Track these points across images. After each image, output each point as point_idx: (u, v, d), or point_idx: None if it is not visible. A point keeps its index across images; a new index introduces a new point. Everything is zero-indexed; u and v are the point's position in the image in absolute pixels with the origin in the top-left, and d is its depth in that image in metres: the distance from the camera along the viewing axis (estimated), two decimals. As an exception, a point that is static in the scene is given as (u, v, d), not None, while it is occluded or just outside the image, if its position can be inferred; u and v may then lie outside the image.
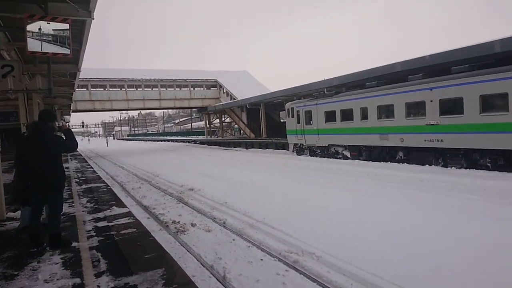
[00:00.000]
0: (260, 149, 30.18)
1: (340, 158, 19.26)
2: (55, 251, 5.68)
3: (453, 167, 13.35)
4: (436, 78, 13.92)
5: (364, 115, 17.21)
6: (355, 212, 8.25)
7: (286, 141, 24.80)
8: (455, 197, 9.03)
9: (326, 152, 20.56)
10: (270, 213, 8.31)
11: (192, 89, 47.96)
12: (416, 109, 14.69)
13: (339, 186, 11.68)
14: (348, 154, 18.86)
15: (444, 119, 13.39)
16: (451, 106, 13.17)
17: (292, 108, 22.90)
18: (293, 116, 22.81)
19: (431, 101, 13.79)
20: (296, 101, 23.84)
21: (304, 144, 22.15)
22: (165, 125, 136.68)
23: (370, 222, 7.36)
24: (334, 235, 6.65)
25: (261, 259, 5.98)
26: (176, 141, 62.20)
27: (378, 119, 16.46)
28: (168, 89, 46.81)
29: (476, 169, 12.58)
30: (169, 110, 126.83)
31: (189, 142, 52.26)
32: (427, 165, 14.17)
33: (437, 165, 14.03)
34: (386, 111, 16.10)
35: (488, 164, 12.35)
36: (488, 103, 11.95)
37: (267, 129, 36.00)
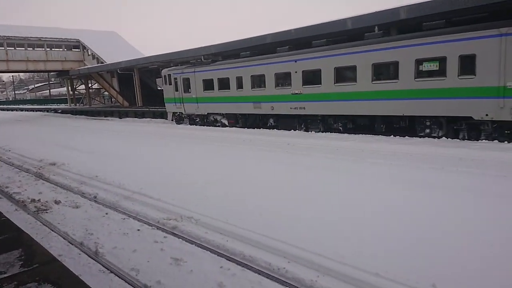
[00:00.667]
0: (136, 118, 28.49)
1: (219, 126, 19.76)
2: None
3: (313, 131, 15.23)
4: (299, 51, 15.32)
5: (240, 85, 17.87)
6: (229, 174, 8.73)
7: (164, 109, 23.99)
8: (312, 156, 10.40)
9: (205, 120, 20.77)
10: (148, 183, 8.13)
11: (49, 49, 41.15)
12: (283, 79, 15.98)
13: (217, 151, 12.09)
14: (226, 122, 19.47)
15: (306, 89, 14.99)
16: (312, 77, 14.79)
17: (169, 75, 22.10)
18: (170, 84, 22.07)
19: (296, 72, 15.20)
20: (173, 67, 23.02)
21: (184, 113, 21.85)
22: (16, 92, 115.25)
23: (243, 183, 7.93)
24: (211, 198, 6.97)
25: (138, 229, 5.89)
26: (32, 110, 53.46)
27: (252, 88, 17.32)
28: (18, 48, 39.15)
29: (330, 132, 14.63)
30: (21, 74, 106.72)
31: (48, 111, 45.56)
32: (292, 130, 15.81)
33: (300, 130, 15.78)
34: (259, 81, 17.06)
35: (340, 128, 14.52)
36: (341, 75, 13.85)
37: (142, 97, 33.91)
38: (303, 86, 15.02)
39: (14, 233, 4.87)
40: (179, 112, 22.26)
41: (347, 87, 13.56)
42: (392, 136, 12.67)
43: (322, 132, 14.93)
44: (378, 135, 13.05)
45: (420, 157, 9.28)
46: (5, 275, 3.62)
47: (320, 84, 14.37)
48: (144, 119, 27.67)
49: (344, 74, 13.75)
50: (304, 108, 15.18)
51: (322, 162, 9.58)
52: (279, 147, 12.31)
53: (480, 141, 10.77)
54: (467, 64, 10.62)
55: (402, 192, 6.68)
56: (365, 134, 13.42)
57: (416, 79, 11.75)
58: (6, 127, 27.61)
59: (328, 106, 14.33)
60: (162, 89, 23.86)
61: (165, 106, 23.38)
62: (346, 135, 13.76)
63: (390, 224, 5.28)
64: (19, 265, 3.85)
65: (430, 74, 11.49)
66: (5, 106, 71.87)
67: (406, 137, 12.34)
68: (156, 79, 35.79)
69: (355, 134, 13.68)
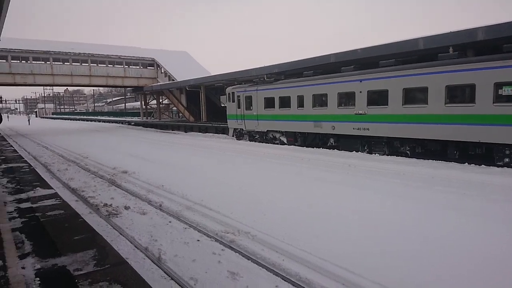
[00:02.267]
0: (200, 133, 29.83)
1: (277, 144, 19.89)
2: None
3: (377, 154, 14.59)
4: (365, 70, 14.95)
5: (301, 103, 17.90)
6: (289, 193, 8.67)
7: (226, 125, 24.84)
8: (378, 180, 9.93)
9: (264, 137, 21.06)
10: (208, 196, 8.40)
11: (126, 66, 45.27)
12: (347, 98, 15.67)
13: (275, 169, 12.12)
14: (285, 140, 19.54)
15: (371, 109, 14.50)
16: (378, 98, 14.29)
17: (233, 93, 22.93)
18: (233, 101, 22.87)
19: (360, 92, 14.81)
20: (237, 86, 23.88)
21: (244, 129, 22.41)
22: (96, 104, 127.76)
23: (304, 202, 7.82)
24: (269, 216, 6.97)
25: (198, 240, 6.07)
26: (108, 121, 58.68)
27: (313, 107, 17.24)
28: (100, 65, 43.64)
29: (396, 156, 13.90)
30: (100, 88, 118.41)
31: (122, 123, 49.64)
32: (354, 151, 15.31)
33: (363, 152, 15.22)
34: (321, 100, 16.93)
35: (408, 152, 13.73)
36: (411, 96, 13.19)
37: (207, 113, 35.56)
38: (368, 107, 14.56)
39: (89, 234, 5.32)
40: (240, 128, 22.87)
41: (417, 109, 12.85)
42: (466, 164, 11.66)
43: (387, 155, 14.24)
44: (451, 162, 12.09)
45: (497, 188, 8.39)
46: (81, 272, 3.96)
47: (387, 105, 13.81)
48: (207, 133, 28.87)
49: (414, 96, 13.07)
50: (368, 129, 14.67)
51: (386, 187, 9.10)
52: (338, 168, 11.99)
53: None
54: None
55: (476, 226, 6.06)
56: (435, 160, 12.53)
57: (494, 104, 10.77)
58: (85, 136, 30.60)
59: (395, 128, 13.67)
60: (225, 106, 24.80)
61: (227, 122, 24.20)
62: (414, 160, 12.96)
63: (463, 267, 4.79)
64: (93, 264, 4.18)
65: (511, 98, 10.46)
66: (85, 117, 79.93)
67: (483, 165, 11.27)
68: (220, 96, 37.41)
69: (424, 159, 12.83)
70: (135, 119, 53.15)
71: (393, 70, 13.70)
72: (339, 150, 16.14)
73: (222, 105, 35.36)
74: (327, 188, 9.18)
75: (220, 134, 27.19)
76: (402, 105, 13.31)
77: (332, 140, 16.93)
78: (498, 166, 11.02)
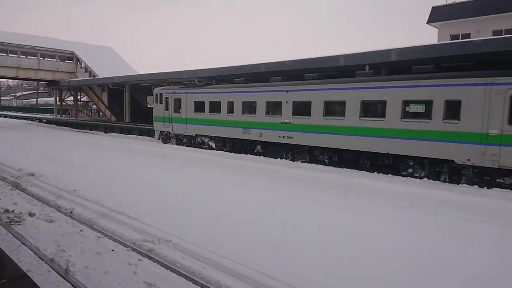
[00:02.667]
0: (122, 134, 28.17)
1: (205, 148, 19.70)
2: None
3: (299, 161, 15.31)
4: (292, 82, 15.68)
5: (230, 109, 18.02)
6: (215, 198, 8.61)
7: (152, 127, 23.86)
8: (298, 186, 10.40)
9: (192, 141, 20.70)
10: (127, 202, 7.95)
11: (41, 58, 40.93)
12: (274, 107, 16.21)
13: (202, 174, 11.97)
14: (213, 145, 19.46)
15: (295, 119, 15.20)
16: (302, 108, 15.05)
17: (161, 94, 22.17)
18: (161, 103, 22.10)
19: (287, 102, 15.46)
20: (166, 87, 23.13)
21: (171, 132, 21.77)
22: (3, 98, 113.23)
23: (227, 206, 7.81)
24: (192, 222, 6.82)
25: (112, 250, 5.70)
26: (17, 117, 52.41)
27: (242, 114, 17.47)
28: (10, 55, 38.86)
29: (316, 163, 14.74)
30: (9, 80, 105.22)
31: (32, 120, 44.72)
32: (279, 158, 15.87)
33: (286, 159, 15.85)
34: (250, 107, 17.25)
35: (326, 160, 14.65)
36: (331, 108, 14.14)
37: (131, 114, 33.72)
38: (293, 116, 15.24)
39: (-18, 244, 4.65)
40: (167, 131, 22.17)
41: (336, 121, 13.82)
42: (375, 172, 12.83)
43: (308, 162, 15.02)
44: (362, 170, 13.20)
45: (401, 196, 9.38)
46: (-34, 290, 3.41)
47: (310, 115, 14.61)
48: (130, 135, 27.40)
49: (334, 108, 14.05)
50: (292, 137, 15.33)
51: (306, 193, 9.58)
52: (264, 174, 12.29)
53: (460, 185, 10.98)
54: (452, 109, 11.00)
55: (378, 229, 6.68)
56: (349, 168, 13.56)
57: (402, 119, 12.07)
58: (-13, 132, 26.89)
59: (315, 137, 14.51)
60: (152, 107, 23.84)
61: (153, 124, 23.28)
62: (331, 168, 13.87)
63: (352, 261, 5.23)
64: (-17, 279, 3.63)
65: (416, 115, 11.83)
66: (-12, 111, 70.27)
67: (390, 175, 12.50)
68: (147, 97, 35.86)
69: (340, 167, 13.80)
70: (48, 116, 48.28)
71: (316, 83, 14.57)
72: (265, 156, 16.59)
73: (148, 106, 33.97)
74: (251, 193, 9.33)
75: (145, 137, 26.02)
76: (323, 116, 14.20)
77: (259, 147, 17.32)
78: (403, 175, 12.32)
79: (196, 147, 20.15)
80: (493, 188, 10.33)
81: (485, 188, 10.45)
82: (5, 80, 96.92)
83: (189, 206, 7.92)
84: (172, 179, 11.05)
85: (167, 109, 21.63)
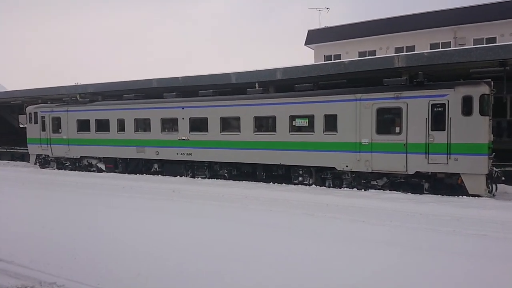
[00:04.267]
0: (-13, 160, 23.86)
1: (94, 171, 18.03)
2: None
3: (199, 177, 15.22)
4: (187, 98, 15.62)
5: (121, 127, 16.94)
6: (105, 228, 7.91)
7: (26, 151, 20.79)
8: (197, 203, 10.32)
9: (77, 164, 18.73)
10: (1, 242, 6.73)
11: None
12: (170, 124, 15.86)
13: (89, 201, 10.91)
14: (103, 167, 17.94)
15: (193, 135, 15.13)
16: (199, 124, 15.08)
17: (36, 113, 19.57)
18: (36, 122, 19.49)
19: (183, 118, 15.30)
20: (41, 105, 20.47)
21: (51, 155, 19.31)
22: None
23: (120, 236, 7.27)
24: (80, 258, 6.14)
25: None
26: None
27: (135, 131, 16.60)
28: None
29: (217, 178, 14.87)
30: None
31: None
32: (178, 176, 15.53)
33: (187, 176, 15.60)
34: (143, 125, 16.51)
35: (226, 174, 14.90)
36: (227, 124, 14.51)
37: (0, 136, 28.80)
38: (191, 133, 15.15)
39: None
40: (45, 155, 19.63)
41: (232, 136, 14.25)
42: (271, 183, 13.60)
43: (209, 178, 15.05)
44: (260, 182, 13.84)
45: (296, 204, 10.12)
46: None
47: (207, 131, 14.75)
48: (0, 161, 23.39)
49: (230, 124, 14.48)
50: (191, 154, 15.19)
51: (207, 210, 9.57)
52: (163, 194, 11.85)
53: (342, 188, 12.43)
54: (331, 122, 12.45)
55: (277, 237, 7.09)
56: (248, 181, 14.07)
57: (290, 133, 13.12)
58: None
59: (214, 153, 14.68)
60: (25, 127, 20.85)
61: (27, 147, 20.34)
62: (231, 181, 14.17)
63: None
64: None
65: (302, 129, 13.02)
66: None
67: (283, 184, 13.39)
68: (19, 116, 31.12)
69: (239, 181, 14.20)
70: None
71: (211, 100, 14.82)
72: (164, 175, 16.02)
73: (21, 126, 29.52)
74: (149, 216, 8.87)
75: (19, 162, 22.54)
76: (220, 132, 14.49)
77: (156, 166, 16.66)
78: (295, 184, 13.33)
79: (82, 170, 18.32)
80: (369, 190, 11.95)
81: (362, 190, 12.02)
82: None
83: (72, 240, 7.08)
84: (55, 211, 9.78)
85: (44, 129, 19.21)
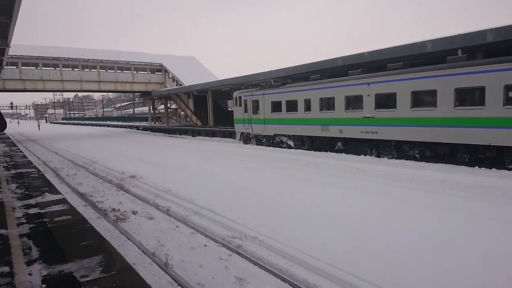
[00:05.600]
0: (207, 137, 29.91)
1: (284, 147, 19.84)
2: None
3: (385, 157, 14.44)
4: (373, 73, 14.86)
5: (308, 107, 17.85)
6: (297, 198, 8.61)
7: (233, 129, 24.90)
8: (383, 183, 9.81)
9: (271, 141, 21.03)
10: (215, 200, 8.38)
11: (135, 72, 45.72)
12: (354, 102, 15.57)
13: (282, 173, 12.06)
14: (292, 144, 19.49)
15: (379, 113, 14.37)
16: (386, 101, 14.16)
17: (240, 97, 23.00)
18: (240, 105, 22.93)
19: (368, 95, 14.71)
20: (244, 90, 23.94)
21: (251, 133, 22.43)
22: (105, 109, 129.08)
23: (313, 208, 7.75)
24: (276, 220, 6.91)
25: (205, 245, 6.04)
26: (117, 126, 59.22)
27: (320, 111, 17.17)
28: (109, 71, 44.15)
29: (405, 159, 13.73)
30: (109, 93, 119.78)
31: (131, 128, 50.02)
32: (362, 155, 15.18)
33: (371, 155, 15.07)
34: (328, 104, 16.86)
35: (417, 155, 13.55)
36: (419, 99, 13.05)
37: (214, 117, 35.68)
38: (376, 110, 14.44)
39: (97, 239, 5.33)
40: (247, 132, 22.89)
41: (426, 112, 12.71)
42: (476, 167, 11.47)
43: (396, 158, 14.09)
44: (460, 165, 11.91)
45: (510, 192, 8.22)
46: (87, 279, 3.95)
47: (395, 108, 13.68)
48: (214, 138, 28.94)
49: (423, 98, 12.95)
50: (376, 132, 14.54)
51: (395, 191, 8.99)
52: (347, 171, 11.89)
53: None
54: None
55: (493, 234, 5.93)
56: (445, 163, 12.35)
57: (505, 106, 10.60)
58: (94, 141, 30.90)
59: (403, 131, 13.52)
60: (232, 110, 24.85)
61: (234, 127, 24.24)
62: (423, 163, 12.79)
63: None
64: (99, 270, 4.17)
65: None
66: (94, 122, 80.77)
67: (493, 169, 11.07)
68: (228, 101, 37.46)
69: (434, 163, 12.65)
70: (143, 123, 53.55)
71: (401, 73, 13.58)
72: (347, 153, 16.03)
73: (229, 109, 35.44)
74: (336, 192, 9.10)
75: (227, 138, 27.22)
76: (411, 108, 13.17)
77: (339, 144, 16.81)
78: (509, 169, 10.80)
79: (275, 147, 20.41)
80: None
81: None
82: (106, 93, 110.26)
83: (272, 205, 8.03)
84: (254, 179, 11.34)
85: (246, 111, 22.34)
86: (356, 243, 5.69)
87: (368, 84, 14.68)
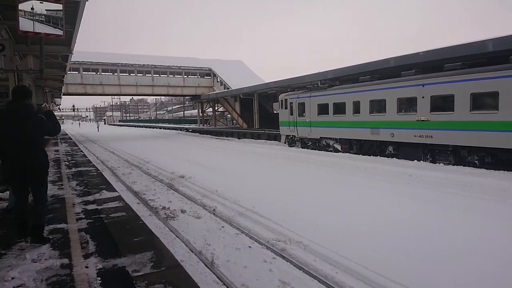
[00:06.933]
0: (252, 140, 30.19)
1: (331, 151, 19.42)
2: (35, 244, 5.19)
3: (441, 163, 13.57)
4: (428, 74, 14.05)
5: (356, 109, 17.32)
6: (344, 203, 8.37)
7: (278, 132, 24.88)
8: (443, 192, 9.21)
9: (317, 144, 20.69)
10: (260, 202, 8.40)
11: (185, 76, 47.52)
12: (407, 105, 14.83)
13: (329, 177, 11.81)
14: (339, 147, 19.02)
15: (434, 116, 13.56)
16: (443, 103, 13.33)
17: (286, 100, 22.93)
18: (286, 108, 22.86)
19: (423, 97, 13.93)
20: (289, 92, 23.85)
21: (296, 136, 22.25)
22: (158, 112, 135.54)
23: (358, 215, 7.49)
24: (321, 225, 6.77)
25: (249, 246, 6.06)
26: (168, 128, 61.86)
27: (370, 113, 16.58)
28: (162, 75, 46.34)
29: (463, 165, 12.80)
30: (162, 97, 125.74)
31: (181, 130, 51.96)
32: (415, 160, 14.39)
33: (425, 161, 14.25)
34: (378, 106, 16.23)
35: (476, 162, 12.58)
36: (480, 101, 12.12)
37: (260, 120, 35.96)
38: (431, 113, 13.64)
39: (148, 236, 5.58)
40: (292, 135, 22.74)
41: (487, 115, 11.77)
42: (548, 176, 10.39)
43: (453, 164, 13.19)
44: (528, 173, 10.87)
45: None
46: (139, 274, 4.14)
47: (453, 111, 12.82)
48: (259, 140, 29.12)
49: (483, 101, 12.00)
50: (431, 136, 13.73)
51: (456, 201, 8.40)
52: (399, 177, 11.34)
53: None
54: None
55: None
56: (507, 171, 11.34)
57: None
58: (147, 142, 32.51)
59: (461, 135, 12.63)
60: (277, 113, 24.85)
61: (279, 129, 24.21)
62: (483, 170, 11.84)
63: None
64: (150, 266, 4.35)
65: None
66: (148, 124, 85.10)
67: None
68: (273, 103, 37.61)
69: (495, 170, 11.66)
70: (193, 126, 55.41)
71: (459, 73, 12.71)
72: (399, 158, 15.30)
73: (275, 112, 35.52)
74: (386, 198, 8.72)
75: (272, 141, 27.26)
76: (470, 111, 12.27)
77: (390, 148, 16.10)
78: None
79: (321, 150, 20.05)
80: None
81: None
82: (159, 97, 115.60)
83: (316, 210, 7.88)
84: (298, 182, 11.22)
85: (291, 113, 22.21)
86: (408, 253, 5.38)
87: (423, 86, 13.92)
